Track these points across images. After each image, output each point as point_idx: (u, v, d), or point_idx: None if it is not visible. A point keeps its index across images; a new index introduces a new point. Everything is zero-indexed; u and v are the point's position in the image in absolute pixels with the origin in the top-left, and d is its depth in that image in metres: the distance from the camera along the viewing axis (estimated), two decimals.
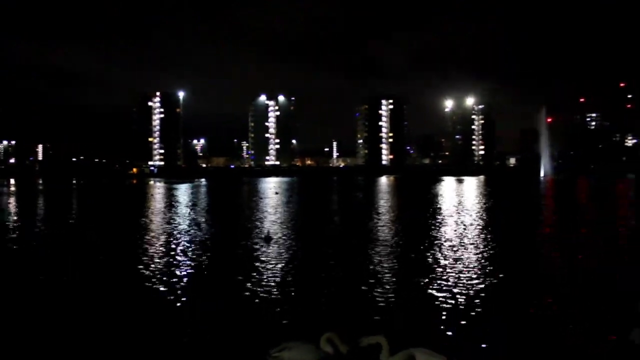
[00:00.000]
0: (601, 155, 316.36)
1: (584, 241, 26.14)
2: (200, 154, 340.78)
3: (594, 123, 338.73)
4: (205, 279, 17.12)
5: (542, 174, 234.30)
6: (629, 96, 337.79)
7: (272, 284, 15.97)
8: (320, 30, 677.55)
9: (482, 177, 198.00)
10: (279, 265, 19.11)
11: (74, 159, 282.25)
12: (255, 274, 17.53)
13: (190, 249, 22.77)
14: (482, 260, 19.77)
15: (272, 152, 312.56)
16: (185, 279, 16.81)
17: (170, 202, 55.69)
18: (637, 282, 16.78)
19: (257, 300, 13.98)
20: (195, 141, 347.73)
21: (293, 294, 14.86)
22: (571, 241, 26.02)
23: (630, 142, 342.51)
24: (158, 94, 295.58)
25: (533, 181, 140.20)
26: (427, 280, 16.40)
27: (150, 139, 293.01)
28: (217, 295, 14.90)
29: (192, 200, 58.02)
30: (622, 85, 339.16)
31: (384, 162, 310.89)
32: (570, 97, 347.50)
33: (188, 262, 19.69)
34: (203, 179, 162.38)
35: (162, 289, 15.39)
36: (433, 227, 30.47)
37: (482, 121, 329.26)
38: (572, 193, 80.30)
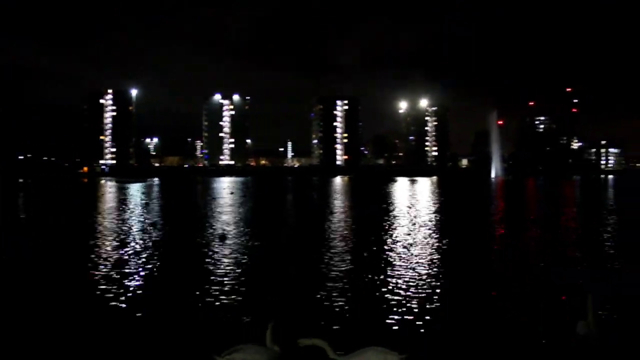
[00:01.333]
0: (549, 157, 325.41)
1: (531, 239, 26.90)
2: (154, 153, 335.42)
3: (542, 126, 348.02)
4: (158, 279, 16.87)
5: (493, 175, 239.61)
6: (575, 101, 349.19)
7: (226, 282, 15.92)
8: (276, 30, 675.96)
9: (434, 177, 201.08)
10: (234, 264, 19.13)
11: (20, 157, 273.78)
12: (209, 272, 17.50)
13: (142, 250, 22.41)
14: (434, 259, 20.09)
15: (226, 151, 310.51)
16: (137, 280, 16.51)
17: (122, 201, 54.78)
18: (582, 276, 17.46)
19: (210, 299, 13.91)
20: (148, 140, 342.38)
21: (246, 293, 14.82)
22: (519, 239, 26.78)
23: (575, 145, 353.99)
24: (110, 91, 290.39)
25: (484, 182, 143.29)
26: (379, 278, 16.60)
27: (101, 137, 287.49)
28: (170, 295, 14.73)
29: (145, 200, 57.16)
30: (568, 90, 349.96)
31: (338, 163, 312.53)
32: (521, 100, 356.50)
33: (140, 263, 19.37)
34: (156, 179, 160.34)
35: (112, 290, 15.08)
36: (386, 227, 30.83)
37: (436, 123, 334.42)
38: (521, 193, 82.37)
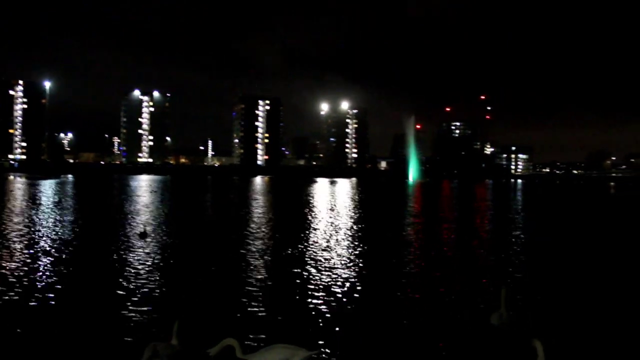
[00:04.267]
0: (464, 161, 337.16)
1: (445, 237, 28.21)
2: (68, 149, 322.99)
3: (458, 131, 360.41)
4: (75, 278, 16.69)
5: (410, 177, 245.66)
6: (488, 108, 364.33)
7: (144, 280, 15.97)
8: (199, 28, 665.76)
9: (354, 179, 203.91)
10: (153, 261, 19.27)
11: None
12: (130, 268, 17.58)
13: (53, 249, 21.88)
14: (352, 259, 20.64)
15: (145, 149, 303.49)
16: (51, 279, 16.22)
17: (33, 199, 52.86)
18: (494, 270, 18.80)
19: (126, 296, 13.97)
20: (62, 135, 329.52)
21: (162, 290, 14.94)
22: (434, 237, 28.02)
23: (488, 150, 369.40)
24: (21, 82, 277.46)
25: (402, 184, 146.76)
26: (295, 276, 17.03)
27: (11, 131, 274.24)
28: (86, 294, 14.68)
29: (58, 198, 55.37)
30: (482, 97, 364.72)
31: (259, 162, 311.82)
32: (439, 106, 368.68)
33: (54, 262, 18.95)
34: (70, 175, 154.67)
35: (22, 291, 14.83)
36: (304, 227, 31.32)
37: (356, 125, 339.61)
38: (437, 195, 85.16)
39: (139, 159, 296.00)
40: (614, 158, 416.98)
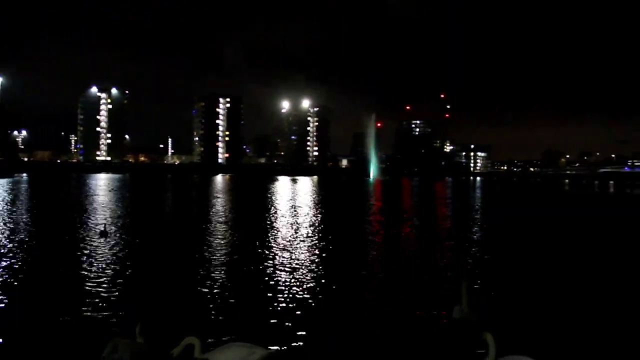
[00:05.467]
0: (424, 159, 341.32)
1: (406, 233, 28.72)
2: (22, 147, 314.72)
3: (418, 130, 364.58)
4: (34, 278, 16.40)
5: (371, 175, 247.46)
6: (448, 107, 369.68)
7: (105, 279, 15.77)
8: (159, 24, 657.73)
9: (315, 177, 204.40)
10: (115, 259, 19.21)
11: None
12: (91, 267, 17.46)
13: (12, 249, 21.32)
14: (314, 256, 20.80)
15: (103, 147, 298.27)
16: (9, 278, 15.82)
17: None
18: (455, 265, 19.18)
19: (87, 296, 13.85)
20: (15, 133, 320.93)
21: (124, 288, 14.81)
22: (395, 233, 28.53)
23: (448, 148, 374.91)
24: None
25: (362, 182, 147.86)
26: (254, 273, 17.09)
27: None
28: (46, 294, 14.45)
29: (13, 197, 54.03)
30: (442, 96, 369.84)
31: (220, 161, 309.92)
32: (399, 104, 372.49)
33: (10, 262, 18.45)
34: (24, 174, 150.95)
35: None
36: (264, 224, 31.42)
37: (317, 123, 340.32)
38: (397, 192, 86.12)
39: (97, 158, 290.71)
40: (568, 156, 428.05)
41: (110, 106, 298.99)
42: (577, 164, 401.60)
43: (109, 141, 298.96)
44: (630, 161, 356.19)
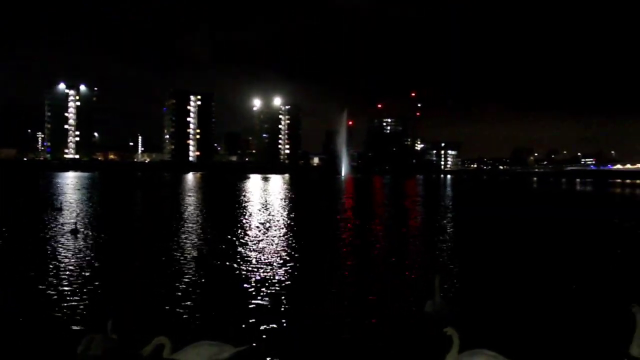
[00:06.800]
0: (395, 157, 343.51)
1: (378, 229, 29.10)
2: None
3: (389, 128, 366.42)
4: (4, 276, 16.38)
5: (342, 173, 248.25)
6: (419, 105, 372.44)
7: (76, 277, 15.78)
8: (128, 21, 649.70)
9: (287, 175, 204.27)
10: (87, 257, 19.22)
11: None
12: (62, 265, 17.47)
13: None
14: (286, 254, 20.98)
15: (71, 144, 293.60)
16: None
17: None
18: (428, 259, 19.61)
19: (59, 294, 13.87)
20: None
21: (97, 287, 14.84)
22: (367, 230, 28.83)
23: (419, 146, 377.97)
24: None
25: (334, 180, 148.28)
26: (225, 273, 17.31)
27: None
28: (17, 292, 14.38)
29: None
30: (413, 95, 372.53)
31: (190, 159, 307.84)
32: (370, 102, 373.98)
33: None
34: None
35: None
36: (235, 223, 31.51)
37: (289, 121, 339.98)
38: (368, 190, 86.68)
39: (65, 156, 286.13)
40: (536, 154, 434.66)
41: (78, 103, 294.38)
42: (545, 162, 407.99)
43: (77, 139, 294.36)
44: (591, 159, 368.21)
